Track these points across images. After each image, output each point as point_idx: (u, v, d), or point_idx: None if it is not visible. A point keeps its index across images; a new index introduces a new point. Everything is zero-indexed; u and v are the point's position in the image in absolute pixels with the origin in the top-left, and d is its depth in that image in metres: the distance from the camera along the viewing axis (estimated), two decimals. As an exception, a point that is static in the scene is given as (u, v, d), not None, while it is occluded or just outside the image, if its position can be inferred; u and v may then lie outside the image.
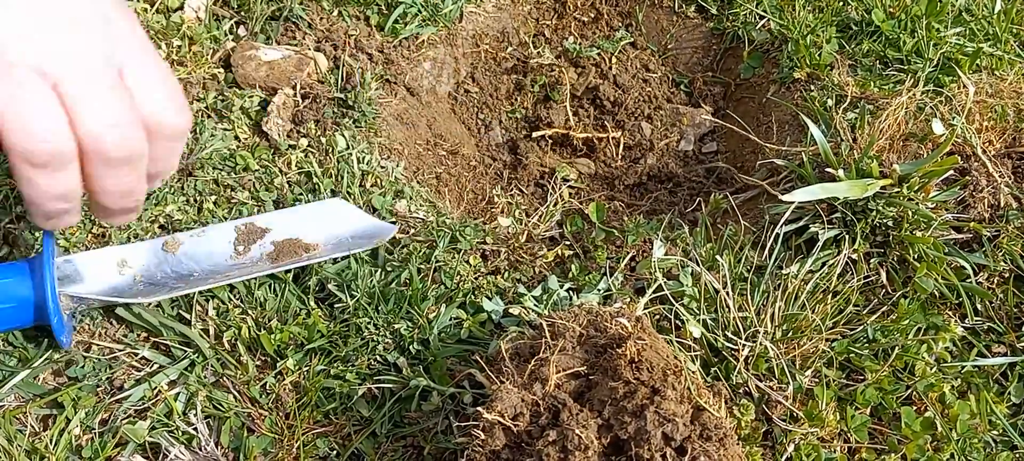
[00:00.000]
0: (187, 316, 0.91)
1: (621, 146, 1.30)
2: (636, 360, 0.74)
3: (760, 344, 0.89)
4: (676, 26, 1.39)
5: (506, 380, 0.77)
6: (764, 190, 1.12)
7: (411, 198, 1.06)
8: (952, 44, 1.25)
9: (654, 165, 1.27)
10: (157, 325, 0.90)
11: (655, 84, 1.35)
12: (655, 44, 1.40)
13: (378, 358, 0.90)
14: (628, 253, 0.99)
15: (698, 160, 1.29)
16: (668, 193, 1.23)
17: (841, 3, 1.32)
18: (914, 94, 1.06)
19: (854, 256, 0.97)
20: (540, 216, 1.03)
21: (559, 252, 1.02)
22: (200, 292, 0.93)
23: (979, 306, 0.95)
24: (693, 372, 0.84)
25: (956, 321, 0.94)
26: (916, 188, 0.94)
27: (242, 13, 1.25)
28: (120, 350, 0.89)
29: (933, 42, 1.24)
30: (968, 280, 0.95)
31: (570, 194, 1.18)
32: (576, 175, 1.27)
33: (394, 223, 1.01)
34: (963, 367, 0.91)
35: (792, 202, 0.94)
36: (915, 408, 0.88)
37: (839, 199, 0.93)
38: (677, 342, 0.88)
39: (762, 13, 1.33)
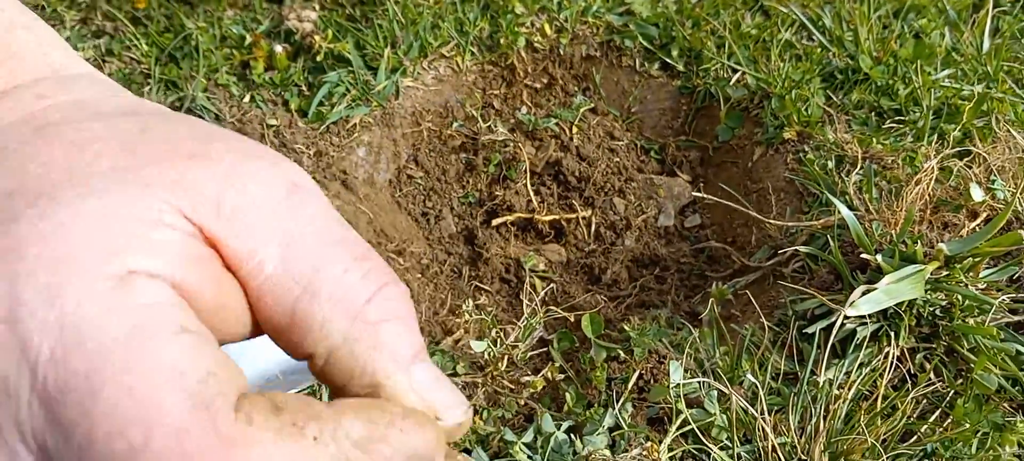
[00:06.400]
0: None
1: (593, 226, 1.13)
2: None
3: (807, 476, 0.72)
4: (639, 87, 1.24)
5: None
6: (769, 273, 0.97)
7: (358, 322, 0.87)
8: (947, 88, 1.13)
9: (634, 247, 1.10)
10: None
11: (623, 153, 1.19)
12: (617, 108, 1.24)
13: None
14: (634, 372, 0.81)
15: (681, 236, 1.13)
16: (655, 279, 1.06)
17: (821, 50, 1.19)
18: (940, 155, 0.92)
19: (897, 351, 0.81)
20: (519, 332, 0.85)
21: (547, 375, 0.83)
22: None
23: (1045, 399, 0.81)
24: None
25: (1022, 419, 0.79)
26: (967, 269, 0.80)
27: (134, 106, 1.04)
28: None
29: (928, 87, 1.12)
30: (1029, 369, 0.81)
31: (544, 291, 1.00)
32: (545, 264, 1.09)
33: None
34: (1043, 478, 0.77)
35: (852, 313, 0.77)
36: (1000, 539, 0.73)
37: (905, 302, 0.77)
38: (712, 490, 0.70)
39: (735, 66, 1.19)
